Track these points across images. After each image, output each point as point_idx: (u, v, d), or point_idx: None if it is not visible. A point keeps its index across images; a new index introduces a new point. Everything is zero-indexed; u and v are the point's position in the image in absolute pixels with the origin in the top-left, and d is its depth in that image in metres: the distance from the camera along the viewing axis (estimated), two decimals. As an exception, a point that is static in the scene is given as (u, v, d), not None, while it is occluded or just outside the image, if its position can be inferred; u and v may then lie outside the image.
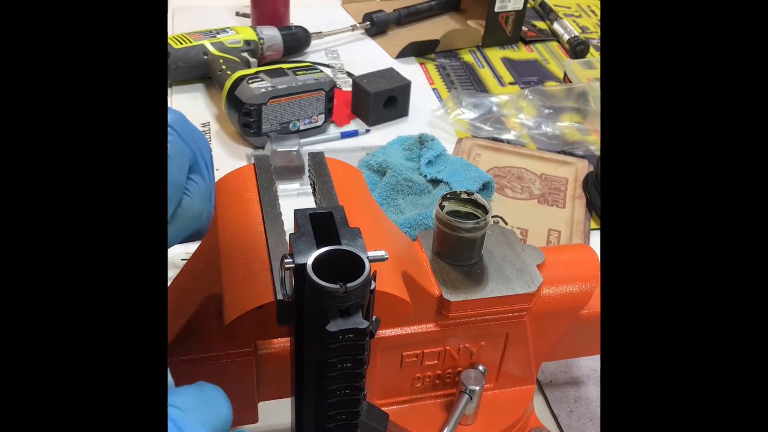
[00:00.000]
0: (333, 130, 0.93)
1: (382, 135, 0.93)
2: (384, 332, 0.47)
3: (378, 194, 0.77)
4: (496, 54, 1.18)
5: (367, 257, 0.33)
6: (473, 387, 0.49)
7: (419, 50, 1.14)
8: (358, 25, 1.17)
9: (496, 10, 1.16)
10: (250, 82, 0.85)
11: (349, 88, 0.98)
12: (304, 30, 1.08)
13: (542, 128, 0.96)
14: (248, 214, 0.45)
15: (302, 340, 0.35)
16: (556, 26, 1.25)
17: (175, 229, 0.43)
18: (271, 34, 1.04)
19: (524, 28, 1.22)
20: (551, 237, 0.78)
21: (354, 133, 0.93)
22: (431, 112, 0.98)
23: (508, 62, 1.16)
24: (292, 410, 0.41)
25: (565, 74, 1.10)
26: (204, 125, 0.93)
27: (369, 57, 1.12)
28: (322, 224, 0.37)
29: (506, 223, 0.79)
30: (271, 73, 0.87)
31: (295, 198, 0.79)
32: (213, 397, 0.32)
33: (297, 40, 1.07)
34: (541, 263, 0.50)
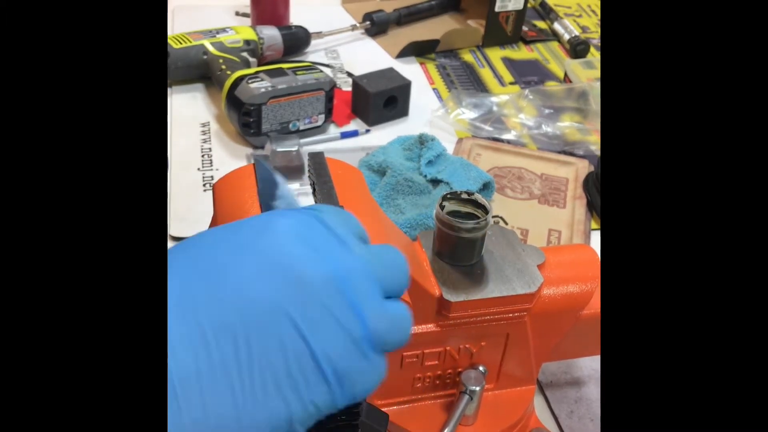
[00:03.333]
0: (333, 130, 0.93)
1: (382, 135, 0.93)
2: (384, 333, 0.47)
3: (378, 194, 0.77)
4: (496, 54, 1.18)
5: None
6: (473, 387, 0.49)
7: (419, 50, 1.14)
8: (358, 24, 1.16)
9: (496, 9, 1.16)
10: (249, 81, 0.85)
11: (349, 88, 0.98)
12: (304, 30, 1.08)
13: (542, 128, 0.96)
14: (248, 214, 0.45)
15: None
16: (556, 26, 1.25)
17: None
18: (270, 33, 1.04)
19: (525, 28, 1.22)
20: (552, 237, 0.78)
21: (354, 133, 0.93)
22: (431, 112, 0.98)
23: (508, 62, 1.16)
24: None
25: (566, 74, 1.10)
26: (204, 125, 0.93)
27: (369, 57, 1.12)
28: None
29: (506, 223, 0.79)
30: (271, 73, 0.87)
31: (294, 198, 0.79)
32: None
33: (297, 40, 1.07)
34: (541, 263, 0.50)
